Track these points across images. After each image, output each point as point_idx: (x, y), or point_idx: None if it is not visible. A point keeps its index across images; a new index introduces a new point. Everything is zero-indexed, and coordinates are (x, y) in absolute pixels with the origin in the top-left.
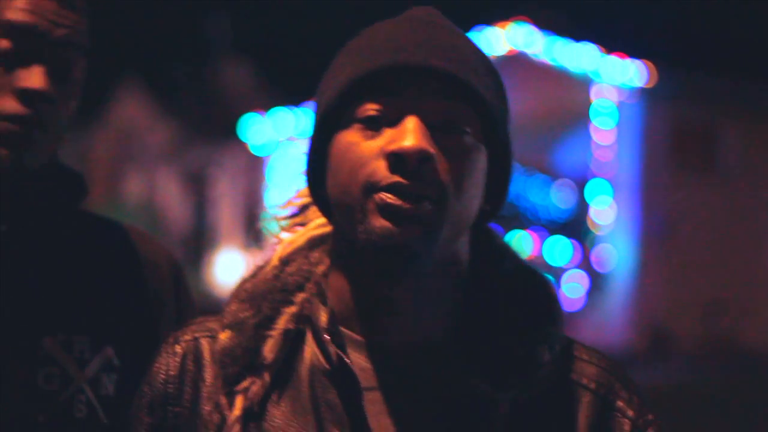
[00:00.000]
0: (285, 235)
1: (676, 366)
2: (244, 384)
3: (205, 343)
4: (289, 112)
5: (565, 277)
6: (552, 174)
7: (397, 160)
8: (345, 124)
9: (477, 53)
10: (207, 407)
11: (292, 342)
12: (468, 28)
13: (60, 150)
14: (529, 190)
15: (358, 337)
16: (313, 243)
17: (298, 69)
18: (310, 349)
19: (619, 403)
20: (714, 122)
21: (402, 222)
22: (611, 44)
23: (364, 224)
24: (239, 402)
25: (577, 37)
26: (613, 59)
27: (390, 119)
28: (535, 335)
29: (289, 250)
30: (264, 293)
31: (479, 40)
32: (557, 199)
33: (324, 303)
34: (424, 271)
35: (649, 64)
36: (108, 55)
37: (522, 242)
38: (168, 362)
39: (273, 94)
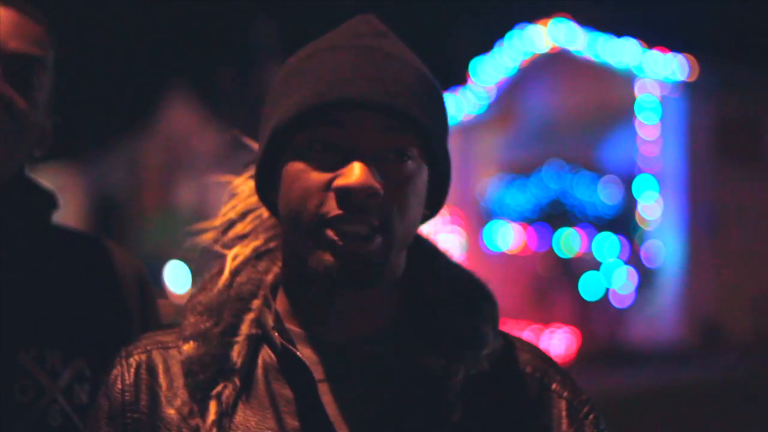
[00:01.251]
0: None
1: (728, 360)
2: (218, 389)
3: (156, 354)
4: None
5: (614, 273)
6: (598, 171)
7: (344, 194)
8: (295, 152)
9: (422, 80)
10: (169, 411)
11: (254, 346)
12: (510, 27)
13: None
14: (575, 187)
15: (302, 332)
16: (259, 253)
17: None
18: (264, 351)
19: (554, 386)
20: (757, 114)
21: (349, 260)
22: (653, 39)
23: (315, 255)
24: (213, 407)
25: (619, 32)
26: (655, 54)
27: (337, 151)
28: (477, 316)
29: (237, 262)
30: (221, 304)
31: (521, 38)
32: (604, 195)
33: (268, 306)
34: (372, 287)
35: (691, 57)
36: (156, 62)
37: (570, 240)
38: (122, 373)
39: None
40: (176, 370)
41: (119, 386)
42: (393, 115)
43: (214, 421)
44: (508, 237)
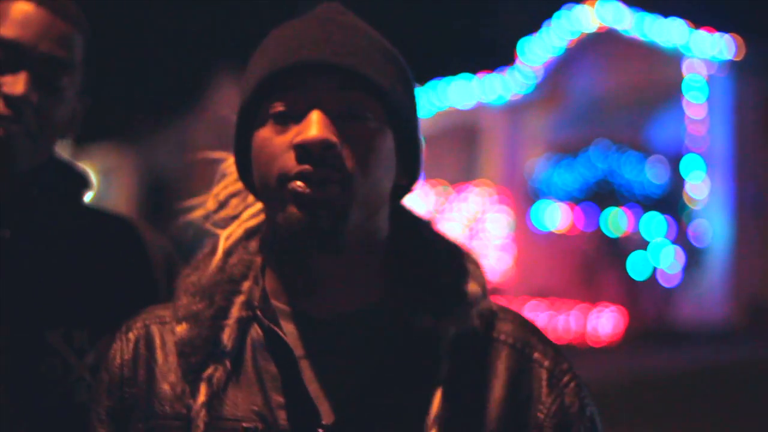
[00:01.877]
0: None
1: None
2: (209, 371)
3: (155, 329)
4: None
5: (661, 252)
6: (645, 150)
7: (303, 150)
8: (260, 122)
9: (375, 45)
10: (164, 386)
11: (244, 327)
12: (558, 7)
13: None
14: (623, 167)
15: (289, 309)
16: (250, 233)
17: None
18: (253, 329)
19: (536, 355)
20: None
21: (311, 207)
22: (700, 19)
23: (282, 212)
24: (203, 389)
25: (666, 12)
26: (702, 33)
27: (296, 114)
28: (464, 275)
29: (230, 242)
30: (213, 286)
31: (569, 18)
32: (651, 175)
33: (257, 283)
34: (341, 247)
35: (738, 37)
36: (206, 44)
37: (618, 219)
38: (122, 348)
39: None
40: (171, 345)
41: (118, 361)
42: (345, 74)
43: (203, 403)
44: (555, 217)
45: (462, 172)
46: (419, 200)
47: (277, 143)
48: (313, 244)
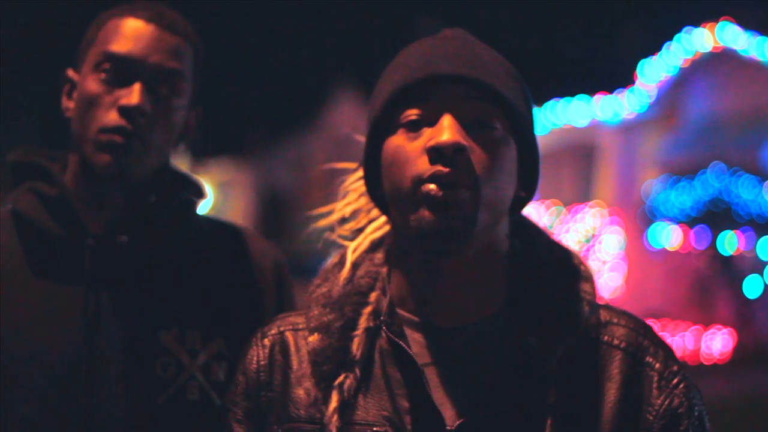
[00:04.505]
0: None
1: None
2: (339, 379)
3: (289, 335)
4: None
5: None
6: (761, 173)
7: (435, 153)
8: (392, 131)
9: (501, 62)
10: (299, 391)
11: (372, 336)
12: (676, 30)
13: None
14: (738, 189)
15: (416, 319)
16: (375, 245)
17: None
18: (381, 337)
19: (648, 359)
20: None
21: (443, 210)
22: None
23: (416, 214)
24: (335, 396)
25: None
26: None
27: (428, 121)
28: (576, 295)
29: (357, 254)
30: (342, 297)
31: (686, 40)
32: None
33: (384, 294)
34: (467, 252)
35: None
36: (323, 60)
37: (732, 241)
38: (258, 353)
39: None
40: (304, 352)
41: (255, 366)
42: (475, 85)
43: (335, 409)
44: (669, 238)
45: (577, 192)
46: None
47: (409, 149)
48: (444, 246)
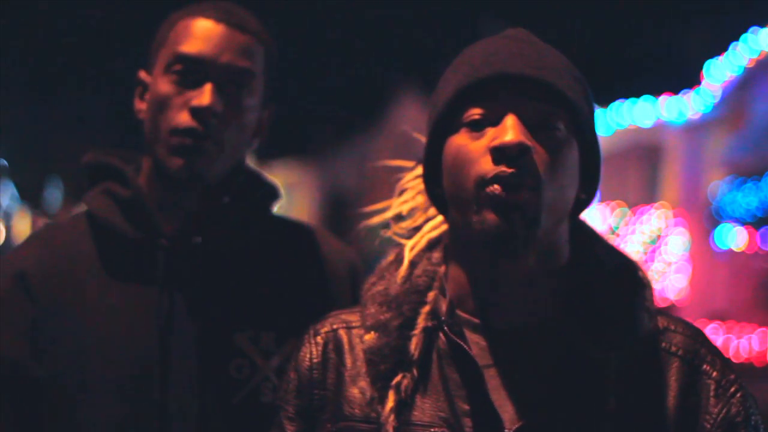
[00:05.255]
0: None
1: None
2: (397, 379)
3: (342, 333)
4: None
5: None
6: None
7: (499, 153)
8: (454, 130)
9: (563, 63)
10: (353, 390)
11: (430, 336)
12: (743, 31)
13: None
14: None
15: (475, 320)
16: (432, 244)
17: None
18: (439, 338)
19: (705, 367)
20: None
21: (506, 212)
22: None
23: (479, 216)
24: (391, 395)
25: None
26: None
27: (492, 120)
28: (635, 304)
29: (414, 253)
30: (400, 296)
31: (752, 40)
32: None
33: (444, 295)
34: (530, 254)
35: None
36: (387, 61)
37: None
38: (311, 351)
39: None
40: (359, 351)
41: (307, 363)
42: (539, 86)
43: (392, 408)
44: (735, 239)
45: (642, 193)
46: (597, 221)
47: (472, 148)
48: (506, 249)
